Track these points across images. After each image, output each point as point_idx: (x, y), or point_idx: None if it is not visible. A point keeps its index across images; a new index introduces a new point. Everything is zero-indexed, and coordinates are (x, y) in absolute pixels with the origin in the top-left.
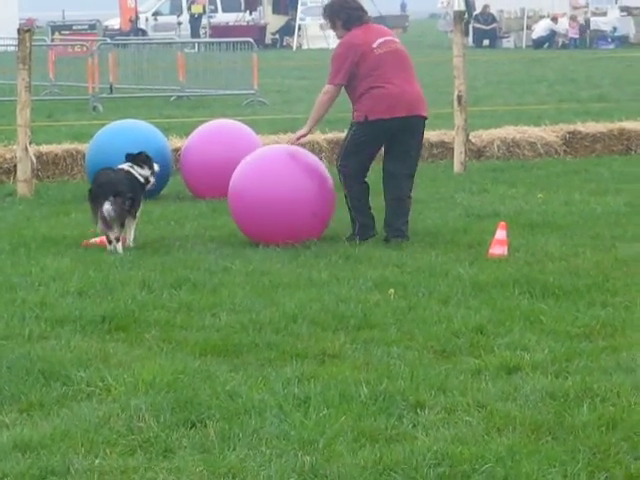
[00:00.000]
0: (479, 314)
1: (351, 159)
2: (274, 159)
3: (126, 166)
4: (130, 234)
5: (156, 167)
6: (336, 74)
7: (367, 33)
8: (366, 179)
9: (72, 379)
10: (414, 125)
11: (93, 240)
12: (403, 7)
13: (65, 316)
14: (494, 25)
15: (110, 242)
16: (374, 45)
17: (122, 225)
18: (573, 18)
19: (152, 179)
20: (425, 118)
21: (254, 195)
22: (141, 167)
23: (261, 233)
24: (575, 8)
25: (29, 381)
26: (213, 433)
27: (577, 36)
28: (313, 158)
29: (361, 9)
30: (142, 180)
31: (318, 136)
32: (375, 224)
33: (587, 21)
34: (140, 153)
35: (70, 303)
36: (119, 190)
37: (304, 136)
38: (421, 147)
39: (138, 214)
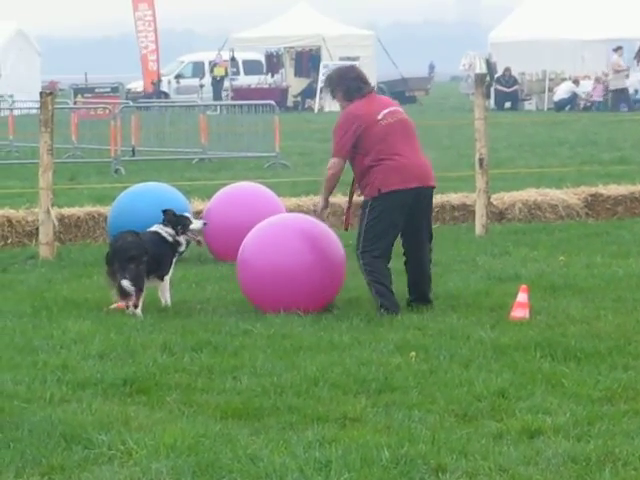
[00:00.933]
0: (500, 377)
1: (373, 242)
2: (284, 228)
3: (156, 227)
4: (165, 295)
5: (199, 224)
6: (340, 146)
7: (370, 104)
8: (389, 265)
9: (93, 442)
10: (426, 195)
11: (114, 305)
12: (431, 69)
13: (86, 379)
14: (516, 87)
15: (127, 307)
16: (379, 117)
17: (140, 290)
18: (598, 80)
19: (182, 238)
20: (434, 188)
21: (264, 264)
22: (167, 226)
23: (269, 302)
24: (617, 71)
25: (50, 444)
26: None
27: (600, 99)
28: (323, 226)
29: (360, 80)
30: (170, 240)
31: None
32: (398, 306)
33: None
34: (166, 211)
35: (91, 366)
36: (132, 255)
37: (326, 209)
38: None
39: (169, 275)
